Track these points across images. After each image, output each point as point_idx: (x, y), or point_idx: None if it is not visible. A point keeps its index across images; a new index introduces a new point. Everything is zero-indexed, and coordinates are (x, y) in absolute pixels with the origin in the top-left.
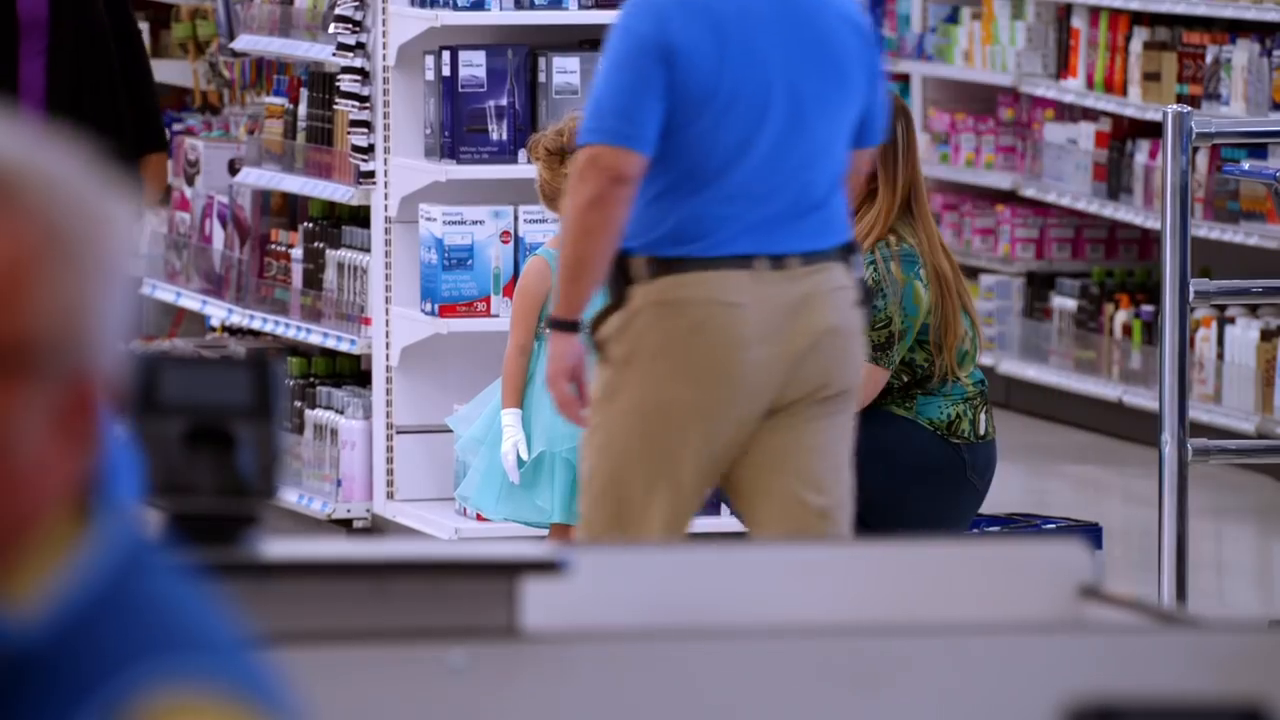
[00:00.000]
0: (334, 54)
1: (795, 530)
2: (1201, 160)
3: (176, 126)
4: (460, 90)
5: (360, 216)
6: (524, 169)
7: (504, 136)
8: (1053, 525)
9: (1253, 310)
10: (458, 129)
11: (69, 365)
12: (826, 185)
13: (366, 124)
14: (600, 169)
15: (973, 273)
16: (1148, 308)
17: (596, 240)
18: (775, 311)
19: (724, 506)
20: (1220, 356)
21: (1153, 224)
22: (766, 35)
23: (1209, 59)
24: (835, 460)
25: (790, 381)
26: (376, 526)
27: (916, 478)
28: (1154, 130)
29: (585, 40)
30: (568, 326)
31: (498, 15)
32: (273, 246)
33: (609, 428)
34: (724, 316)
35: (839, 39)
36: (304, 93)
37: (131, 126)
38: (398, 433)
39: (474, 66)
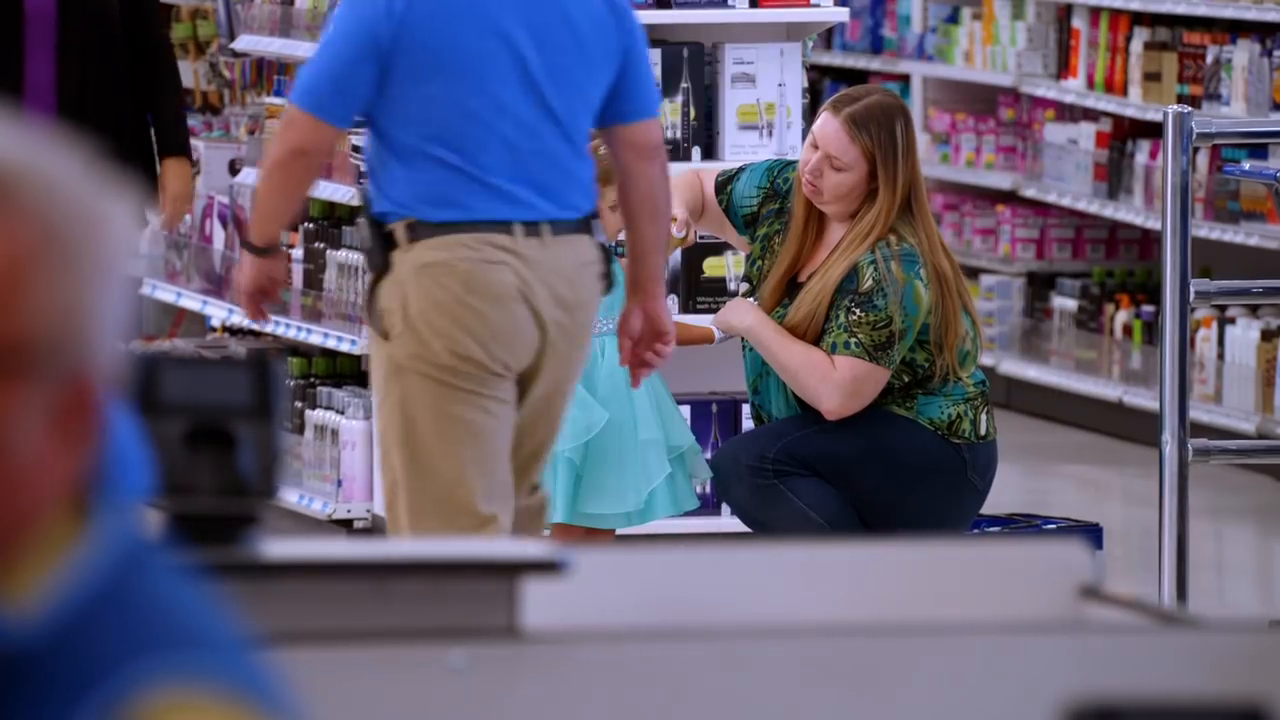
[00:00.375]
0: None
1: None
2: (1202, 160)
3: None
4: None
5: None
6: None
7: None
8: (1053, 525)
9: (1253, 310)
10: None
11: (67, 365)
12: (568, 155)
13: None
14: (291, 138)
15: (973, 273)
16: (1148, 308)
17: (283, 194)
18: (531, 275)
19: (724, 507)
20: (1220, 356)
21: (1153, 224)
22: (502, 5)
23: (1209, 59)
24: (549, 430)
25: (538, 349)
26: (376, 526)
27: (917, 477)
28: (1154, 130)
29: None
30: (261, 251)
31: None
32: None
33: (405, 408)
34: (491, 273)
35: (584, 10)
36: None
37: (146, 127)
38: None
39: None
